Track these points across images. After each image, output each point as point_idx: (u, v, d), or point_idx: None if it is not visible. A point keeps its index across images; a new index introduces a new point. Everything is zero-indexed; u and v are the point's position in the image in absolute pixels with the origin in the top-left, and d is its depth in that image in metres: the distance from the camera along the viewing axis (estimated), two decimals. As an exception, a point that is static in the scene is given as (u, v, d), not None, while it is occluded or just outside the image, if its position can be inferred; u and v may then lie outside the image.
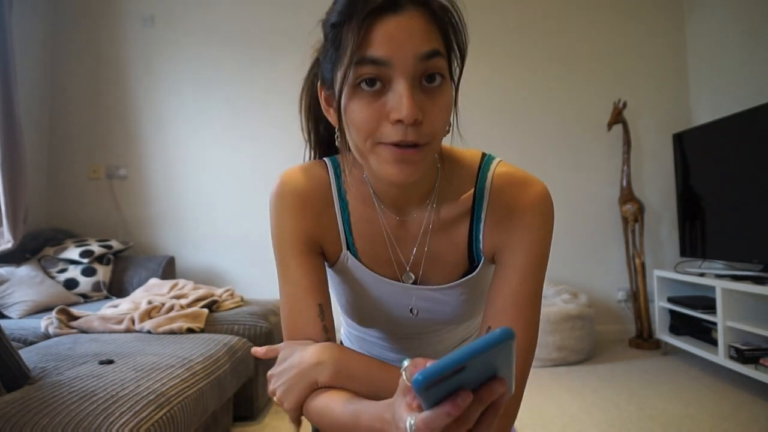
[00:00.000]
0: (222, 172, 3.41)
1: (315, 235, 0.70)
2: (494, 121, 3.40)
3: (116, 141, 3.42)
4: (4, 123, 2.76)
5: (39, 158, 3.31)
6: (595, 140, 3.41)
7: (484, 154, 0.72)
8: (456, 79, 0.63)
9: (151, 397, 1.25)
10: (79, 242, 2.98)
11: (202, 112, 3.43)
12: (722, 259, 2.79)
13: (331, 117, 0.64)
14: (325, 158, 0.74)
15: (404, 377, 0.41)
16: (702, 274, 2.71)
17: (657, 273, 3.01)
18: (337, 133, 0.63)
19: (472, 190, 0.69)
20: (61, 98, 3.42)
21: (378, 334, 0.82)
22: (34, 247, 2.93)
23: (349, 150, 0.63)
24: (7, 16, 2.77)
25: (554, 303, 2.90)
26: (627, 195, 3.22)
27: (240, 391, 2.00)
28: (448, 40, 0.59)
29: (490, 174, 0.69)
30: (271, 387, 0.64)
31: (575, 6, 3.48)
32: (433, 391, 0.36)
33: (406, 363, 0.42)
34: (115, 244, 3.05)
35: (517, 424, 2.01)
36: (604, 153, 3.41)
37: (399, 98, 0.54)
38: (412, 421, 0.40)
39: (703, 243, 2.90)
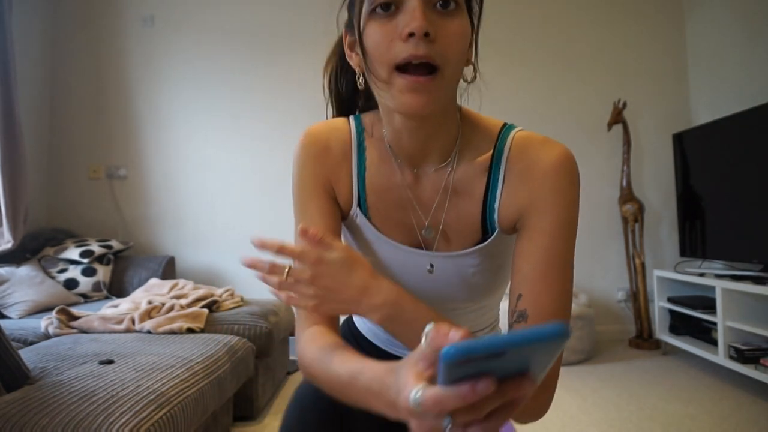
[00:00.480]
0: (222, 171, 3.41)
1: (332, 184, 0.71)
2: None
3: (116, 141, 3.42)
4: (4, 123, 2.76)
5: (39, 158, 3.32)
6: (595, 140, 3.41)
7: (506, 123, 0.71)
8: (476, 16, 0.64)
9: (151, 397, 1.25)
10: (79, 242, 2.98)
11: (202, 112, 3.43)
12: (722, 259, 2.79)
13: (353, 60, 0.65)
14: (350, 116, 0.75)
15: (424, 343, 0.38)
16: (702, 274, 2.71)
17: (657, 273, 3.01)
18: (359, 77, 0.65)
19: (491, 152, 0.67)
20: (61, 98, 3.42)
21: None
22: (34, 247, 2.93)
23: (371, 100, 0.65)
24: (7, 16, 2.77)
25: (554, 303, 2.90)
26: (627, 195, 3.22)
27: (240, 391, 2.00)
28: None
29: (510, 137, 0.68)
30: (298, 291, 0.58)
31: (575, 6, 3.48)
32: (459, 368, 0.32)
33: (428, 327, 0.38)
34: (115, 244, 3.05)
35: (516, 423, 2.01)
36: (604, 153, 3.41)
37: (411, 12, 0.55)
38: (418, 394, 0.36)
39: (703, 243, 2.90)
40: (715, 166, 2.81)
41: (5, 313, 2.41)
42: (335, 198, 0.71)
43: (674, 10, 3.47)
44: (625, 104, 3.21)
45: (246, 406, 2.06)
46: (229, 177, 3.40)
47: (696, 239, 2.97)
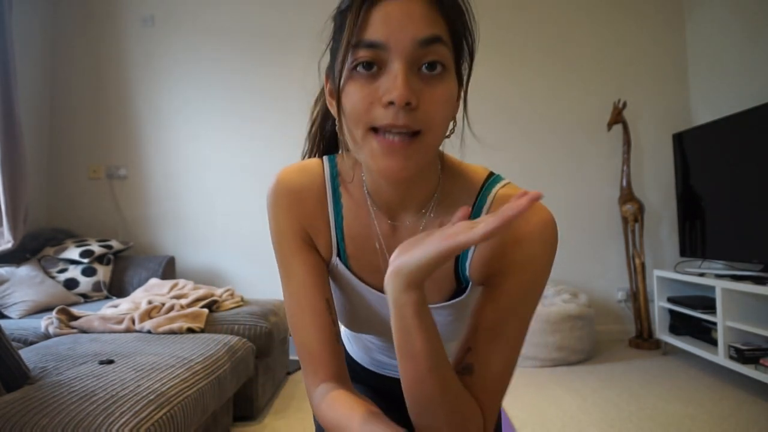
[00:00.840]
0: (222, 171, 3.41)
1: (309, 234, 0.69)
2: (494, 121, 3.40)
3: (116, 141, 3.42)
4: (4, 123, 2.76)
5: (39, 158, 3.32)
6: (595, 140, 3.41)
7: (492, 174, 0.69)
8: (465, 77, 0.61)
9: (151, 397, 1.25)
10: (79, 242, 2.98)
11: (203, 112, 3.43)
12: (722, 259, 2.79)
13: (333, 108, 0.63)
14: (324, 156, 0.72)
15: None
16: (702, 274, 2.71)
17: (657, 273, 3.01)
18: (338, 123, 0.62)
19: (470, 207, 0.65)
20: (61, 98, 3.42)
21: (375, 340, 0.81)
22: (34, 247, 2.93)
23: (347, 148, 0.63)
24: (7, 16, 2.77)
25: (554, 303, 2.90)
26: (627, 195, 3.22)
27: (240, 391, 2.00)
28: (455, 31, 0.57)
29: (492, 193, 0.65)
30: None
31: (575, 6, 3.48)
32: None
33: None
34: (115, 244, 3.05)
35: (516, 424, 2.02)
36: (604, 153, 3.41)
37: (393, 79, 0.52)
38: None
39: (703, 243, 2.90)
40: (715, 166, 2.81)
41: (5, 313, 2.41)
42: (315, 247, 0.69)
43: (674, 10, 3.47)
44: (625, 104, 3.21)
45: (246, 406, 2.06)
46: (229, 177, 3.40)
47: (696, 239, 2.97)
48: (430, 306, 0.66)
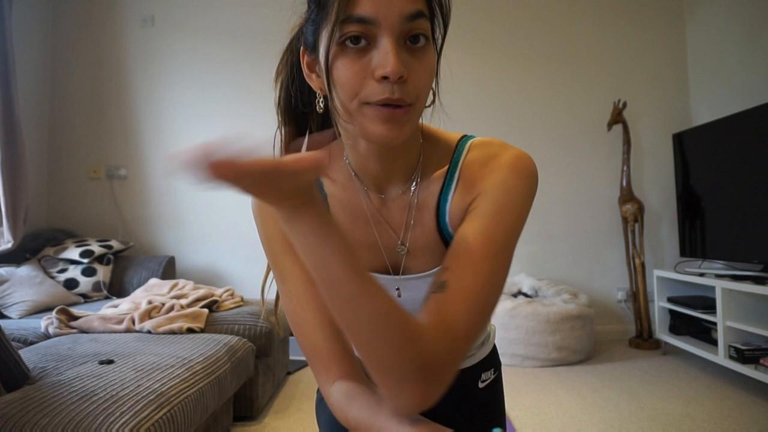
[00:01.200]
0: (222, 172, 3.41)
1: None
2: (494, 121, 3.40)
3: (116, 141, 3.42)
4: (4, 123, 2.76)
5: (39, 158, 3.32)
6: (595, 140, 3.41)
7: (465, 135, 0.70)
8: (438, 45, 0.62)
9: (151, 397, 1.25)
10: (79, 242, 2.98)
11: (202, 112, 3.43)
12: (722, 259, 2.79)
13: (314, 82, 0.63)
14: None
15: None
16: (702, 274, 2.71)
17: (657, 273, 3.01)
18: (319, 100, 0.63)
19: (447, 165, 0.67)
20: (61, 98, 3.42)
21: None
22: (34, 247, 2.93)
23: (331, 123, 0.63)
24: (7, 16, 2.77)
25: (554, 303, 2.90)
26: (627, 195, 3.22)
27: (240, 391, 2.00)
28: (431, 5, 0.59)
29: (467, 146, 0.67)
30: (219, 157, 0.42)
31: (575, 6, 3.48)
32: None
33: None
34: (115, 244, 3.05)
35: (516, 424, 2.02)
36: (604, 153, 3.41)
37: (385, 55, 0.53)
38: None
39: (703, 243, 2.90)
40: (715, 166, 2.81)
41: (5, 313, 2.41)
42: None
43: (674, 10, 3.47)
44: (625, 104, 3.21)
45: (246, 406, 2.06)
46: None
47: (696, 239, 2.97)
48: (427, 273, 0.67)
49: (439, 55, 0.62)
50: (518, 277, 3.22)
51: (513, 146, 0.66)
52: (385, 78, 0.54)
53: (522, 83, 3.46)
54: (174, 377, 1.41)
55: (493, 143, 0.66)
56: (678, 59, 3.46)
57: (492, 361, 0.85)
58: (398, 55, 0.53)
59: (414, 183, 0.67)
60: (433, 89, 0.62)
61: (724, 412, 2.12)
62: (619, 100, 3.23)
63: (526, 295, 3.15)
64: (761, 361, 2.21)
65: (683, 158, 3.08)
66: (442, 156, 0.68)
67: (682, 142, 3.09)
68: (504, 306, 2.81)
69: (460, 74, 3.17)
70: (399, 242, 0.68)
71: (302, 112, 0.72)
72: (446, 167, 0.67)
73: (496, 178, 0.62)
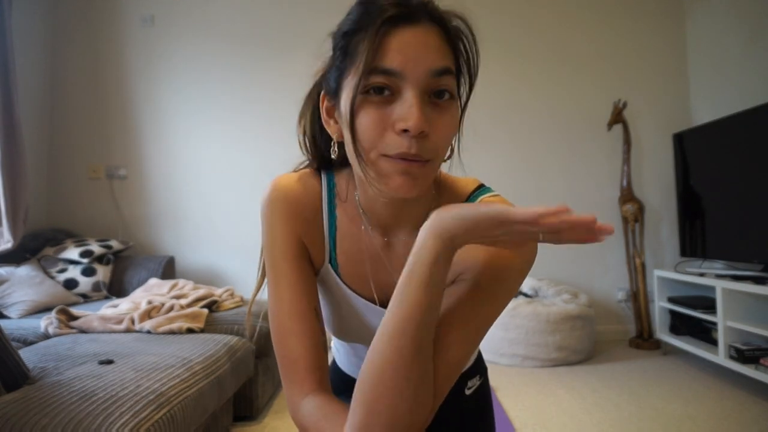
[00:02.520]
0: (222, 171, 3.41)
1: (304, 242, 0.68)
2: (494, 121, 3.40)
3: (116, 141, 3.42)
4: (4, 123, 2.76)
5: (39, 158, 3.31)
6: (595, 140, 3.41)
7: (481, 185, 0.70)
8: (462, 103, 0.62)
9: (151, 397, 1.25)
10: (79, 242, 2.98)
11: (203, 112, 3.43)
12: (722, 259, 2.79)
13: (331, 128, 0.63)
14: (322, 172, 0.72)
15: None
16: (702, 274, 2.71)
17: (657, 273, 3.01)
18: (334, 145, 0.63)
19: None
20: (61, 98, 3.42)
21: (365, 351, 0.80)
22: (34, 247, 2.93)
23: (346, 165, 0.63)
24: (7, 16, 2.77)
25: (554, 303, 2.90)
26: (627, 195, 3.22)
27: (240, 391, 2.00)
28: (459, 61, 0.59)
29: (477, 201, 0.66)
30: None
31: (575, 6, 3.48)
32: None
33: None
34: (115, 244, 3.05)
35: (516, 424, 2.02)
36: (604, 153, 3.41)
37: (408, 108, 0.53)
38: None
39: (703, 243, 2.90)
40: (715, 166, 2.81)
41: (5, 312, 2.41)
42: (308, 257, 0.69)
43: (674, 10, 3.47)
44: (625, 104, 3.21)
45: (246, 406, 2.06)
46: (229, 176, 3.40)
47: (696, 239, 2.97)
48: None
49: (462, 111, 0.63)
50: (518, 277, 3.22)
51: None
52: (405, 131, 0.54)
53: (522, 83, 3.45)
54: (174, 377, 1.41)
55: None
56: (678, 59, 3.46)
57: (477, 367, 0.85)
58: (422, 109, 0.53)
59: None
60: (452, 145, 0.62)
61: (725, 412, 2.12)
62: (619, 100, 3.23)
63: (526, 295, 3.15)
64: (761, 361, 2.21)
65: (683, 158, 3.08)
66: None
67: (682, 142, 3.09)
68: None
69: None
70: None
71: (326, 149, 0.73)
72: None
73: (498, 253, 0.61)
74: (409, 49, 0.54)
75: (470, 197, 0.68)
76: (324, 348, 0.65)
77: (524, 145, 3.43)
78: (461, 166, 0.67)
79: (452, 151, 0.63)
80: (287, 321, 0.64)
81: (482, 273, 0.61)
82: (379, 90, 0.55)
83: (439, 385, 0.57)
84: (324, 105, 0.63)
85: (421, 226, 0.65)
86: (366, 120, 0.55)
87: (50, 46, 3.41)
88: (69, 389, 1.24)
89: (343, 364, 0.88)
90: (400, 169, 0.55)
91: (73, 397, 1.20)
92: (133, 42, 3.44)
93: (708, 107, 3.25)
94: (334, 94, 0.60)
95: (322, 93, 0.63)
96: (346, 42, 0.57)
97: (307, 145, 0.73)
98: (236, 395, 1.98)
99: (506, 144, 3.42)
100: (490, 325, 0.61)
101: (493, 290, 0.60)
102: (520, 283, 0.64)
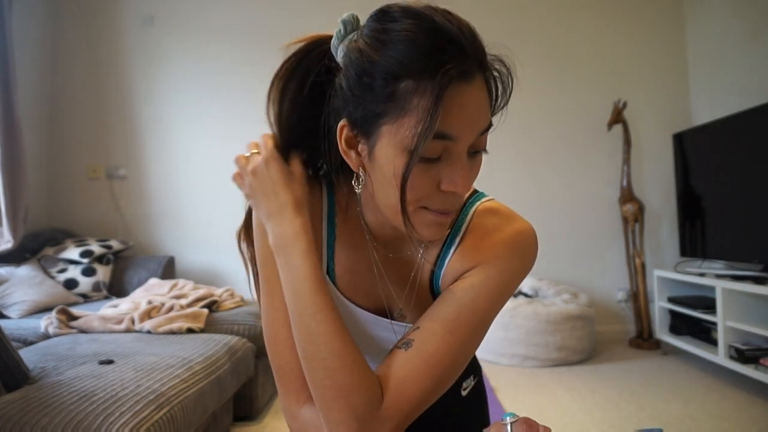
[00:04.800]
0: (222, 171, 3.40)
1: None
2: (494, 121, 3.40)
3: (116, 141, 3.42)
4: (4, 123, 2.75)
5: (39, 158, 3.31)
6: (595, 140, 3.41)
7: (476, 191, 0.69)
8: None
9: (151, 397, 1.25)
10: (79, 242, 2.98)
11: (202, 112, 3.43)
12: (722, 259, 2.79)
13: (352, 160, 0.58)
14: (324, 181, 0.70)
15: (509, 430, 0.45)
16: (702, 274, 2.71)
17: (657, 273, 3.01)
18: (360, 177, 0.59)
19: (450, 227, 0.65)
20: (61, 98, 3.42)
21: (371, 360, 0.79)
22: (34, 247, 2.93)
23: (345, 176, 0.62)
24: (7, 16, 2.77)
25: (554, 303, 2.90)
26: (627, 195, 3.22)
27: (240, 391, 2.00)
28: (493, 105, 0.59)
29: (473, 208, 0.65)
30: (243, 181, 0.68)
31: (575, 6, 3.48)
32: None
33: (510, 418, 0.45)
34: (115, 244, 3.05)
35: (517, 424, 2.02)
36: (604, 153, 3.41)
37: (459, 171, 0.53)
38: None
39: (703, 243, 2.90)
40: (715, 166, 2.81)
41: (5, 313, 2.41)
42: None
43: (675, 10, 3.47)
44: (625, 104, 3.21)
45: (246, 406, 2.06)
46: (229, 177, 3.39)
47: (696, 239, 2.97)
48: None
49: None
50: (518, 277, 3.22)
51: (518, 217, 0.65)
52: (451, 192, 0.55)
53: (522, 83, 3.41)
54: (174, 377, 1.41)
55: (499, 213, 0.65)
56: (678, 59, 3.46)
57: (472, 367, 0.85)
58: (469, 171, 0.55)
59: (423, 246, 0.66)
60: None
61: (725, 412, 2.12)
62: (619, 100, 3.23)
63: (526, 295, 3.15)
64: (761, 361, 2.21)
65: (683, 158, 3.08)
66: None
67: (682, 142, 3.09)
68: (504, 306, 2.80)
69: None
70: (400, 307, 0.69)
71: (304, 134, 0.64)
72: (449, 230, 0.65)
73: (494, 255, 0.61)
74: (466, 113, 0.52)
75: (466, 203, 0.66)
76: None
77: (524, 145, 3.43)
78: None
79: None
80: (283, 330, 0.63)
81: (479, 273, 0.61)
82: (435, 158, 0.53)
83: (413, 381, 0.56)
84: (344, 134, 0.57)
85: (423, 242, 0.66)
86: (415, 180, 0.53)
87: (50, 46, 3.41)
88: (69, 389, 1.24)
89: None
90: (437, 222, 0.56)
91: (73, 397, 1.20)
92: (133, 42, 3.44)
93: (708, 107, 3.25)
94: (364, 131, 0.55)
95: (343, 122, 0.57)
96: (388, 83, 0.51)
97: (286, 124, 0.65)
98: (236, 395, 1.98)
99: (506, 144, 3.41)
100: (480, 325, 0.60)
101: (482, 289, 0.60)
102: (520, 281, 0.63)
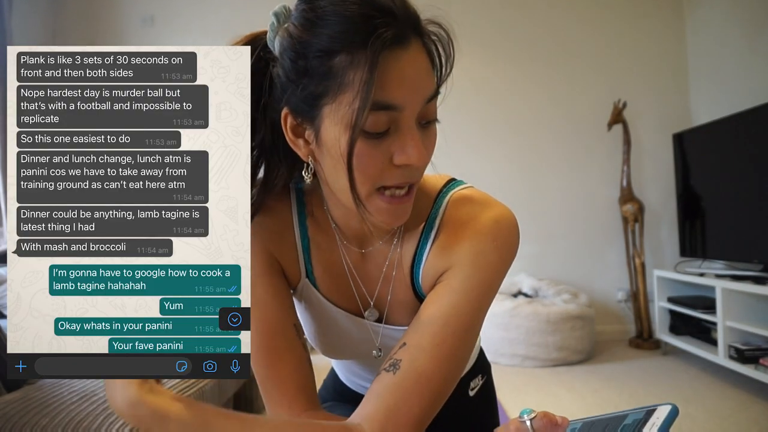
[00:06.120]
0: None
1: (275, 257, 0.65)
2: (494, 121, 3.40)
3: (116, 141, 3.42)
4: (4, 123, 2.75)
5: (39, 158, 3.31)
6: (595, 140, 3.41)
7: (451, 179, 0.66)
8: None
9: (151, 397, 1.25)
10: (79, 242, 2.98)
11: (202, 112, 3.43)
12: (722, 259, 2.79)
13: (300, 150, 0.56)
14: (291, 184, 0.67)
15: (529, 426, 0.44)
16: (702, 274, 2.71)
17: (657, 273, 3.01)
18: (308, 168, 0.56)
19: (425, 220, 0.62)
20: (61, 98, 3.42)
21: (354, 363, 0.77)
22: (34, 247, 2.92)
23: (316, 185, 0.60)
24: (7, 16, 2.77)
25: (554, 303, 2.90)
26: (627, 195, 3.22)
27: (240, 391, 2.00)
28: (438, 72, 0.56)
29: (447, 198, 0.62)
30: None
31: (575, 6, 3.48)
32: None
33: (528, 413, 0.44)
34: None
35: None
36: (604, 153, 3.41)
37: (410, 142, 0.51)
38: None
39: (703, 243, 2.90)
40: (715, 166, 2.81)
41: (5, 312, 2.41)
42: (281, 272, 0.65)
43: (674, 11, 3.47)
44: (625, 104, 3.21)
45: (246, 406, 2.06)
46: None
47: (696, 239, 2.97)
48: (401, 327, 0.65)
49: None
50: (518, 277, 3.22)
51: (495, 203, 0.61)
52: (405, 165, 0.52)
53: (522, 83, 3.45)
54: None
55: (474, 200, 0.62)
56: (678, 59, 3.46)
57: (480, 367, 0.83)
58: (421, 142, 0.52)
59: (396, 238, 0.64)
60: None
61: (725, 412, 2.12)
62: (619, 100, 3.23)
63: (526, 295, 3.15)
64: (761, 361, 2.21)
65: (683, 158, 3.08)
66: (423, 207, 0.63)
67: (682, 142, 3.09)
68: (504, 306, 2.81)
69: (458, 75, 3.16)
70: (371, 304, 0.66)
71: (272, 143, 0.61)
72: (423, 223, 0.62)
73: (472, 249, 0.58)
74: (406, 80, 0.50)
75: (440, 192, 0.64)
76: (310, 364, 0.63)
77: (524, 145, 3.43)
78: (444, 118, 0.62)
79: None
80: (269, 340, 0.60)
81: (458, 273, 0.58)
82: (382, 131, 0.51)
83: (408, 409, 0.53)
84: (288, 123, 0.55)
85: (396, 233, 0.63)
86: (363, 159, 0.50)
87: (50, 45, 3.41)
88: (69, 389, 1.24)
89: (342, 377, 0.86)
90: (393, 209, 0.54)
91: (73, 397, 1.20)
92: (133, 42, 3.44)
93: (708, 107, 3.25)
94: (307, 116, 0.53)
95: (285, 110, 0.55)
96: (323, 61, 0.50)
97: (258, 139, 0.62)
98: (236, 395, 1.98)
99: (506, 144, 3.42)
100: (470, 330, 0.58)
101: (466, 290, 0.57)
102: (504, 272, 0.60)
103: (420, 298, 0.64)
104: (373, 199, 0.53)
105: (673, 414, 0.37)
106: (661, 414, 0.36)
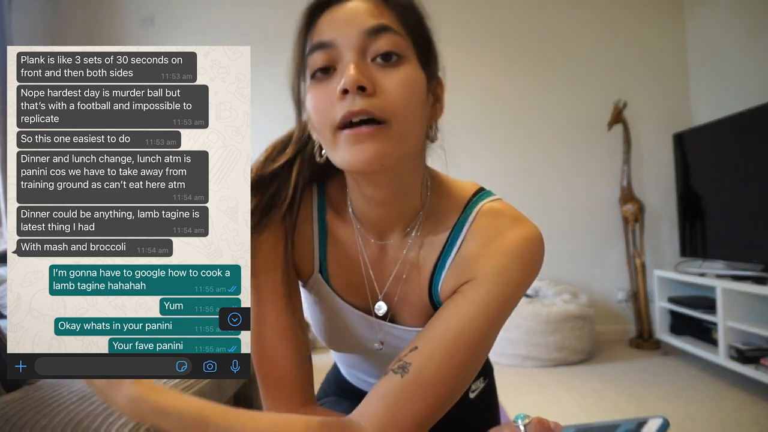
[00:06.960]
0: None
1: (288, 250, 0.65)
2: (494, 121, 3.40)
3: (116, 141, 3.42)
4: (4, 123, 2.75)
5: (39, 158, 3.31)
6: (595, 140, 3.41)
7: (481, 189, 0.66)
8: (429, 68, 0.57)
9: (151, 397, 1.25)
10: (79, 242, 2.98)
11: (202, 112, 3.43)
12: (722, 259, 2.78)
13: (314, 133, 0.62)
14: (315, 183, 0.69)
15: (523, 431, 0.45)
16: (702, 274, 2.71)
17: (657, 273, 3.01)
18: (318, 147, 0.59)
19: (451, 228, 0.62)
20: (61, 98, 3.42)
21: (359, 360, 0.77)
22: (34, 247, 2.92)
23: (338, 171, 0.62)
24: (7, 16, 2.77)
25: (554, 303, 2.90)
26: (627, 195, 3.22)
27: (240, 391, 2.00)
28: (407, 22, 0.55)
29: (477, 208, 0.62)
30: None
31: (575, 6, 3.47)
32: None
33: (522, 418, 0.45)
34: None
35: (517, 424, 2.02)
36: (604, 153, 3.41)
37: (345, 70, 0.51)
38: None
39: (704, 243, 2.90)
40: (715, 166, 2.81)
41: (4, 313, 2.41)
42: (293, 267, 0.66)
43: (675, 10, 3.47)
44: (625, 104, 3.21)
45: (246, 406, 2.05)
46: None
47: (696, 239, 2.97)
48: (411, 329, 0.65)
49: (428, 79, 0.57)
50: (518, 277, 3.21)
51: (524, 220, 0.61)
52: (345, 92, 0.51)
53: (522, 83, 3.45)
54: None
55: (504, 215, 0.61)
56: (678, 59, 3.46)
57: (481, 369, 0.83)
58: (358, 66, 0.51)
59: (412, 234, 0.63)
60: (434, 123, 0.60)
61: (725, 413, 2.12)
62: (619, 100, 3.23)
63: (526, 295, 3.15)
64: (762, 361, 2.21)
65: (683, 158, 3.08)
66: (450, 213, 0.63)
67: (682, 142, 3.09)
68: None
69: (458, 74, 3.16)
70: (379, 299, 0.66)
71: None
72: (449, 231, 0.62)
73: (498, 264, 0.58)
74: (338, 20, 0.54)
75: (470, 202, 0.63)
76: (310, 362, 0.64)
77: (524, 145, 3.43)
78: (444, 117, 0.63)
79: (436, 130, 0.61)
80: (272, 337, 0.61)
81: (480, 285, 0.58)
82: (325, 70, 0.54)
83: (412, 415, 0.53)
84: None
85: (410, 226, 0.63)
86: (313, 100, 0.55)
87: (50, 45, 3.41)
88: (69, 389, 1.24)
89: (344, 372, 0.86)
90: (352, 138, 0.51)
91: (73, 397, 1.20)
92: (133, 42, 3.44)
93: (708, 107, 3.25)
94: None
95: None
96: (297, 44, 0.59)
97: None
98: (236, 395, 1.97)
99: (505, 145, 3.41)
100: (483, 344, 0.57)
101: (484, 305, 0.57)
102: (524, 291, 0.60)
103: (434, 303, 0.64)
104: (338, 140, 0.53)
105: (664, 427, 0.38)
106: (652, 427, 0.37)
